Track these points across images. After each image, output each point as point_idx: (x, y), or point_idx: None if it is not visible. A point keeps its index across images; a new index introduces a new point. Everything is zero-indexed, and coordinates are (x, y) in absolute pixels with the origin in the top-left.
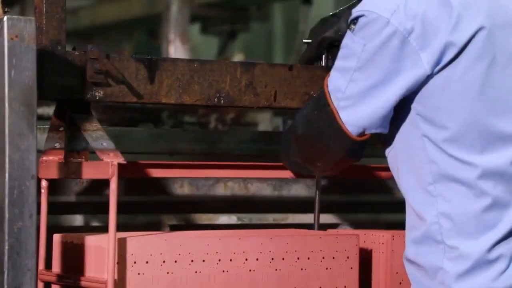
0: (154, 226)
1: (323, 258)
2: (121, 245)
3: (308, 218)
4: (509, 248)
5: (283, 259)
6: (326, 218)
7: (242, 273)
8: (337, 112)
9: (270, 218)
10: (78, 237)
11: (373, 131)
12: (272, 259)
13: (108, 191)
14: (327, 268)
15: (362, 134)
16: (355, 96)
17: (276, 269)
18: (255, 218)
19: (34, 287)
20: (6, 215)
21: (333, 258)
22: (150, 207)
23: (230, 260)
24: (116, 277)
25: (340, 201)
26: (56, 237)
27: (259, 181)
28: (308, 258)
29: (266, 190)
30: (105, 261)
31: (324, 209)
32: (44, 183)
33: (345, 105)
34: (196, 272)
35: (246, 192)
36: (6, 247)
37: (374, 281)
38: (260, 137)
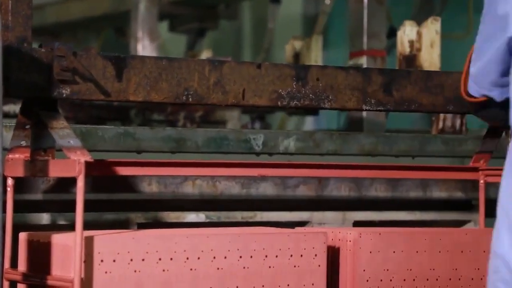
0: (122, 225)
1: (291, 255)
2: (88, 243)
3: (276, 215)
4: None
5: (251, 257)
6: (294, 216)
7: (210, 271)
8: None
9: (238, 216)
10: (44, 235)
11: None
12: (240, 257)
13: (75, 189)
14: (295, 266)
15: None
16: None
17: (244, 267)
18: (224, 216)
19: None
20: None
21: (301, 255)
22: (118, 205)
23: (198, 258)
24: (82, 275)
25: (307, 198)
26: (22, 236)
27: (227, 179)
28: (276, 256)
29: (234, 188)
30: (72, 259)
31: (293, 207)
32: (10, 181)
33: None
34: (163, 270)
35: (214, 190)
36: None
37: (342, 278)
38: (228, 135)
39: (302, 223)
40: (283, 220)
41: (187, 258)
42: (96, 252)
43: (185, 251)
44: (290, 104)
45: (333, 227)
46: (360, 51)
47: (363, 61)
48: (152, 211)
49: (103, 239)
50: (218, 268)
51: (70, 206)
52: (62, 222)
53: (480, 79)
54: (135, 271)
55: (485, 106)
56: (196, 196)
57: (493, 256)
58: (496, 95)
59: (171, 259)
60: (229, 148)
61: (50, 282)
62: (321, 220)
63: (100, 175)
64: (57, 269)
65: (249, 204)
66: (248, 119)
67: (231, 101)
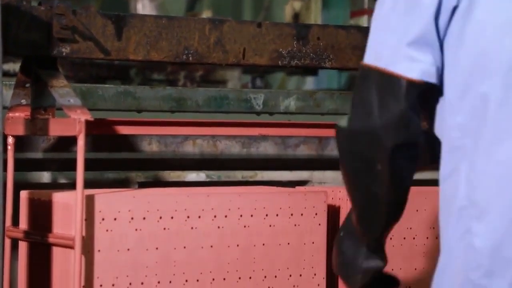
0: (122, 183)
1: (292, 214)
2: (89, 202)
3: (276, 175)
4: None
5: (251, 216)
6: (294, 175)
7: (210, 230)
8: None
9: (239, 175)
10: (45, 194)
11: None
12: (241, 216)
13: (76, 148)
14: (295, 225)
15: None
16: None
17: (244, 226)
18: (224, 175)
19: (1, 244)
20: None
21: (302, 214)
22: (118, 164)
23: (199, 217)
24: (84, 234)
25: (308, 158)
26: (23, 194)
27: (227, 138)
28: (277, 215)
29: (234, 148)
30: (73, 218)
31: (293, 166)
32: (10, 140)
33: None
34: (164, 229)
35: (215, 149)
36: None
37: None
38: (229, 95)
39: (302, 183)
40: (284, 179)
41: (188, 217)
42: (97, 211)
43: (185, 210)
44: (290, 63)
45: (334, 186)
46: (361, 10)
47: (364, 21)
48: (152, 170)
49: (104, 197)
50: (218, 227)
51: (70, 165)
52: (63, 181)
53: None
54: (136, 229)
55: None
56: (197, 155)
57: None
58: None
59: (172, 217)
60: (229, 108)
61: (51, 240)
62: (321, 179)
63: (101, 134)
64: (58, 227)
65: (250, 164)
66: (248, 79)
67: (232, 60)
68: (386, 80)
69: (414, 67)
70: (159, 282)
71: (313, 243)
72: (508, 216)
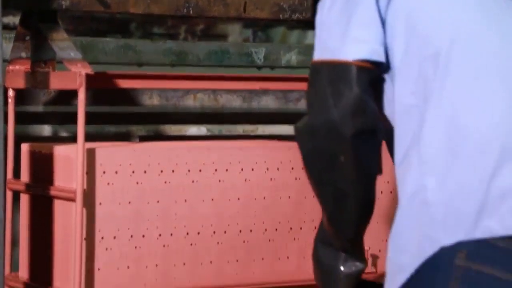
0: (123, 137)
1: (292, 168)
2: (90, 155)
3: (277, 129)
4: None
5: (252, 169)
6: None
7: (211, 184)
8: None
9: (240, 129)
10: (46, 147)
11: None
12: (242, 169)
13: (76, 102)
14: (296, 178)
15: None
16: None
17: (245, 180)
18: (225, 129)
19: (2, 196)
20: None
21: (302, 168)
22: (119, 118)
23: (200, 171)
24: (85, 187)
25: None
26: (25, 147)
27: (228, 92)
28: (278, 169)
29: (235, 102)
30: (74, 171)
31: (294, 120)
32: (11, 93)
33: None
34: (165, 182)
35: (216, 103)
36: None
37: None
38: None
39: None
40: (285, 133)
41: (189, 171)
42: (98, 164)
43: (186, 163)
44: (292, 17)
45: None
46: None
47: None
48: (153, 124)
49: (105, 151)
50: (219, 181)
51: (71, 119)
52: (63, 134)
53: None
54: (137, 183)
55: None
56: (198, 109)
57: None
58: None
59: (173, 171)
60: (230, 62)
61: (53, 192)
62: None
63: (101, 88)
64: (59, 180)
65: (251, 118)
66: (249, 33)
67: (232, 14)
68: (336, 70)
69: (362, 48)
70: (160, 235)
71: (313, 196)
72: (456, 169)
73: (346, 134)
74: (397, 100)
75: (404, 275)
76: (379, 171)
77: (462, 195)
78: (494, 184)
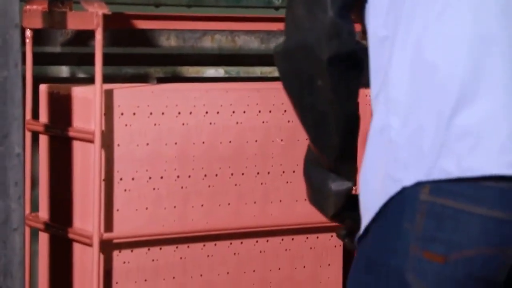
0: (141, 79)
1: None
2: (108, 96)
3: None
4: None
5: (270, 111)
6: None
7: (229, 125)
8: None
9: (257, 71)
10: (64, 87)
11: None
12: (259, 111)
13: (94, 43)
14: None
15: None
16: None
17: (263, 122)
18: (243, 71)
19: (21, 136)
20: None
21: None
22: (137, 59)
23: (217, 112)
24: (103, 128)
25: None
26: (43, 88)
27: (246, 33)
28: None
29: (253, 43)
30: (92, 112)
31: None
32: (28, 33)
33: None
34: (183, 124)
35: (233, 45)
36: None
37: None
38: None
39: None
40: None
41: (206, 112)
42: (116, 105)
43: (204, 105)
44: None
45: None
46: None
47: None
48: (171, 66)
49: (123, 92)
50: (237, 122)
51: (89, 60)
52: (81, 75)
53: None
54: (154, 124)
55: None
56: (215, 50)
57: None
58: None
59: (190, 113)
60: (248, 2)
61: (71, 134)
62: None
63: (119, 29)
64: (78, 121)
65: (268, 59)
66: None
67: None
68: None
69: None
70: (178, 176)
71: None
72: (417, 108)
73: (321, 58)
74: (371, 32)
75: (371, 213)
76: (360, 87)
77: (422, 135)
78: (453, 124)
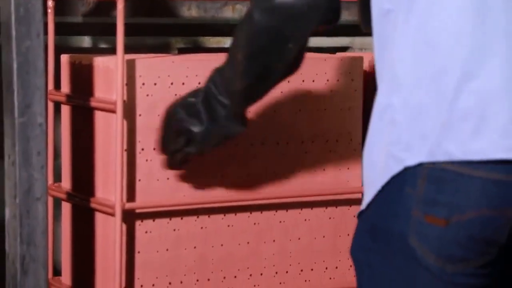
0: (162, 49)
1: (328, 80)
2: (130, 66)
3: (317, 41)
4: None
5: (288, 81)
6: (335, 41)
7: None
8: None
9: None
10: (86, 58)
11: None
12: None
13: (115, 13)
14: (331, 90)
15: None
16: None
17: (281, 92)
18: None
19: (44, 106)
20: (13, 33)
21: (337, 80)
22: (158, 29)
23: None
24: (125, 98)
25: (348, 23)
26: (64, 58)
27: None
28: (313, 81)
29: None
30: (114, 82)
31: (333, 32)
32: (50, 3)
33: None
34: None
35: None
36: (15, 66)
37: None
38: None
39: (343, 49)
40: (324, 45)
41: None
42: (137, 75)
43: None
44: None
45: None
46: None
47: None
48: (192, 36)
49: (144, 62)
50: None
51: (110, 30)
52: (103, 46)
53: None
54: (175, 94)
55: None
56: (236, 21)
57: None
58: None
59: None
60: None
61: (93, 104)
62: (363, 45)
63: None
64: (99, 91)
65: None
66: None
67: None
68: None
69: None
70: None
71: (349, 108)
72: (419, 88)
73: (308, 25)
74: (375, 4)
75: (373, 189)
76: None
77: (424, 115)
78: (455, 104)
